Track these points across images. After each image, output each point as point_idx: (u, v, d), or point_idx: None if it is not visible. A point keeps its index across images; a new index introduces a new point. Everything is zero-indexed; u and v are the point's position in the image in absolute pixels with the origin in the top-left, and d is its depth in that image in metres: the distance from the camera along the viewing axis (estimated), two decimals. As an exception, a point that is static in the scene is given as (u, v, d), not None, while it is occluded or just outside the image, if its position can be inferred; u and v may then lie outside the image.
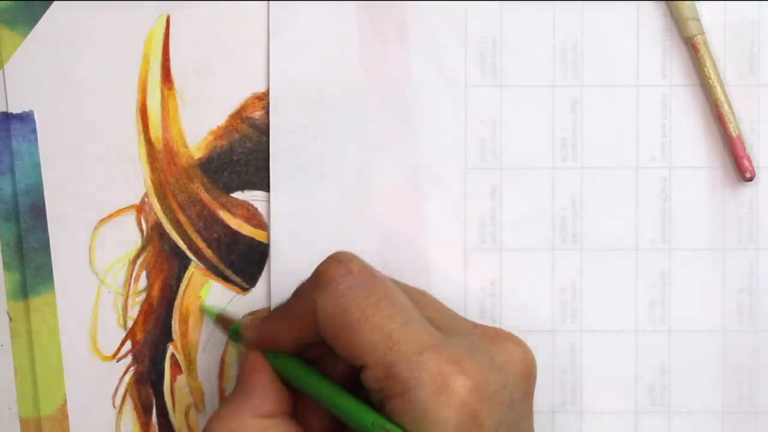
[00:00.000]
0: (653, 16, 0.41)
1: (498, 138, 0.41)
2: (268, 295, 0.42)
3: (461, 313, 0.38)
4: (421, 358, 0.31)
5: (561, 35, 0.41)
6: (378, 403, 0.33)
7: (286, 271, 0.41)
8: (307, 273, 0.35)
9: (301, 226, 0.41)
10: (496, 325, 0.40)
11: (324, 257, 0.35)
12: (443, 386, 0.31)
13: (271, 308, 0.41)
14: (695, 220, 0.41)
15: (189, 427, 0.42)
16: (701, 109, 0.41)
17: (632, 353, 0.41)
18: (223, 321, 0.41)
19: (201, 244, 0.42)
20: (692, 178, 0.41)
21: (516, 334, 0.35)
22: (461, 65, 0.41)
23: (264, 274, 0.42)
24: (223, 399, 0.42)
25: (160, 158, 0.42)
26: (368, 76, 0.41)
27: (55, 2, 0.42)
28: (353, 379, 0.34)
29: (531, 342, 0.35)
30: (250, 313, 0.42)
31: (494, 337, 0.34)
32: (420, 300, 0.35)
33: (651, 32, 0.41)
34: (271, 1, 0.41)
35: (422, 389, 0.31)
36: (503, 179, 0.41)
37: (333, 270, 0.33)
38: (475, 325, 0.35)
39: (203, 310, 0.42)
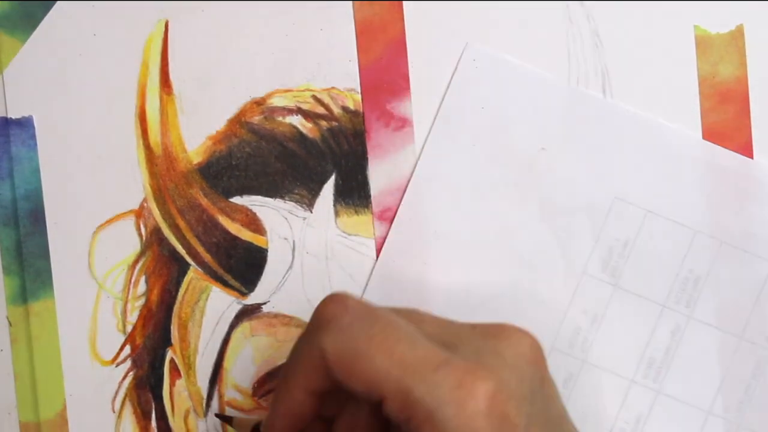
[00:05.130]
0: None
1: None
2: (267, 300, 0.42)
3: None
4: (436, 377, 0.31)
5: None
6: None
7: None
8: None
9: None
10: None
11: None
12: (466, 399, 0.30)
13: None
14: None
15: (188, 431, 0.42)
16: None
17: None
18: (240, 426, 0.40)
19: (200, 249, 0.42)
20: None
21: None
22: None
23: (263, 278, 0.42)
24: None
25: (159, 163, 0.42)
26: None
27: (53, 8, 0.42)
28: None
29: None
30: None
31: (497, 334, 0.33)
32: (416, 319, 0.35)
33: None
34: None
35: (446, 408, 0.30)
36: None
37: (331, 309, 0.33)
38: (474, 326, 0.35)
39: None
